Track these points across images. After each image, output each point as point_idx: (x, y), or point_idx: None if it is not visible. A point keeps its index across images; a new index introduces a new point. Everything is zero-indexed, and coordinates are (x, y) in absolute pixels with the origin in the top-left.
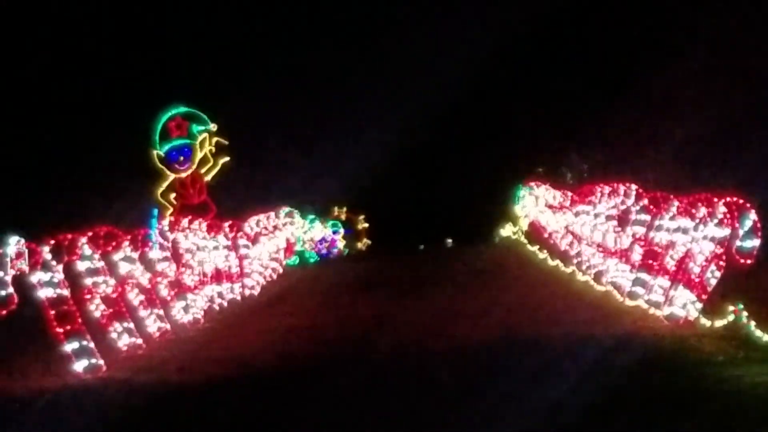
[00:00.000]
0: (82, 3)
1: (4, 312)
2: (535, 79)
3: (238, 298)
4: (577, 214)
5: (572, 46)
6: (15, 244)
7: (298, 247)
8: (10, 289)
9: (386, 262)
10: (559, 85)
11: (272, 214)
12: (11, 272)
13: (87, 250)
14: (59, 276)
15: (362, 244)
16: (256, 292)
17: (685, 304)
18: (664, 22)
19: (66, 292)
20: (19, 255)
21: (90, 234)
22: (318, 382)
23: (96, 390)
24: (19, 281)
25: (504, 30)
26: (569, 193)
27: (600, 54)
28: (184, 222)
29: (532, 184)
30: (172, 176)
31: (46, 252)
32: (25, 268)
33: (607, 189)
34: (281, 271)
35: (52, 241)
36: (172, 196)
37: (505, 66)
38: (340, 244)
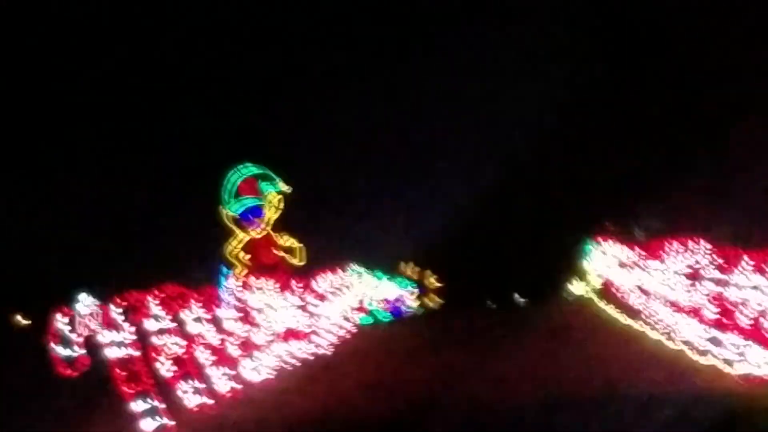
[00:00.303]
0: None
1: (75, 373)
2: (606, 134)
3: (310, 357)
4: (648, 271)
5: (645, 101)
6: (86, 303)
7: (369, 306)
8: (82, 350)
9: (458, 320)
10: (630, 140)
11: (341, 272)
12: (83, 331)
13: (156, 310)
14: (129, 336)
15: (433, 302)
16: (329, 351)
17: (759, 363)
18: (731, 78)
19: (135, 352)
20: (91, 314)
21: (160, 293)
22: None
23: None
24: (90, 341)
25: (580, 81)
26: (639, 250)
27: (672, 111)
28: (254, 281)
29: (601, 239)
30: (243, 236)
31: (115, 311)
32: (97, 327)
33: (677, 245)
34: (353, 330)
35: (122, 301)
36: (248, 257)
37: (577, 118)
38: (412, 302)
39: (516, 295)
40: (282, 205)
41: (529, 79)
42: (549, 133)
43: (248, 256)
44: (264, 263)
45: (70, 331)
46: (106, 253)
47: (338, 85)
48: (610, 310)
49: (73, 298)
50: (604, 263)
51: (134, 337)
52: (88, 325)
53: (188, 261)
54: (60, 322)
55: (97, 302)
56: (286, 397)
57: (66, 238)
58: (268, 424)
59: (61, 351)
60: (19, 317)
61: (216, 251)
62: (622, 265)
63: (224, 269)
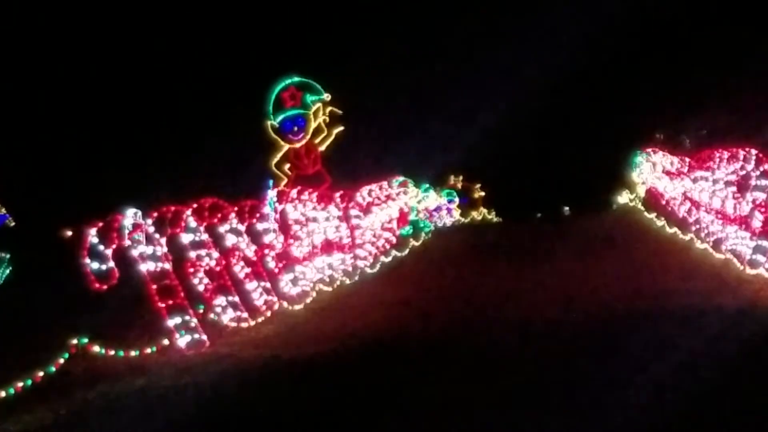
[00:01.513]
0: None
1: (105, 287)
2: (655, 43)
3: (350, 269)
4: (695, 181)
5: (695, 9)
6: (132, 215)
7: (412, 217)
8: (111, 263)
9: (502, 230)
10: (679, 49)
11: (385, 183)
12: (127, 245)
13: (192, 223)
14: (162, 249)
15: (478, 212)
16: (368, 263)
17: None
18: None
19: (168, 266)
20: (136, 227)
21: (195, 206)
22: (428, 357)
23: (198, 366)
24: (125, 255)
25: None
26: (687, 159)
27: (722, 16)
28: (293, 193)
29: (650, 150)
30: (286, 147)
31: (149, 225)
32: (138, 240)
33: (726, 154)
34: (394, 241)
35: (155, 214)
36: (287, 166)
37: (625, 30)
38: (456, 213)
39: (564, 208)
40: (325, 115)
41: None
42: (598, 46)
43: (289, 166)
44: (306, 174)
45: (105, 246)
46: (147, 168)
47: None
48: (657, 220)
49: (115, 212)
50: (652, 173)
51: (166, 250)
52: (132, 239)
53: (231, 175)
54: (93, 236)
55: (141, 216)
56: (323, 310)
57: (108, 152)
58: (303, 337)
59: (94, 266)
60: (64, 231)
61: (260, 165)
62: (669, 174)
63: (269, 181)
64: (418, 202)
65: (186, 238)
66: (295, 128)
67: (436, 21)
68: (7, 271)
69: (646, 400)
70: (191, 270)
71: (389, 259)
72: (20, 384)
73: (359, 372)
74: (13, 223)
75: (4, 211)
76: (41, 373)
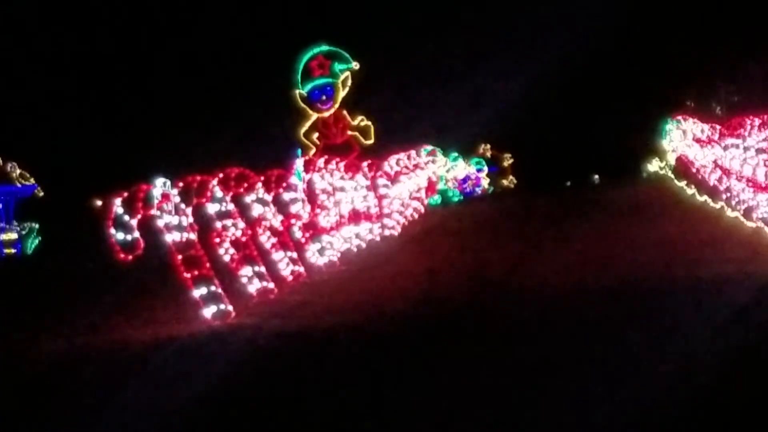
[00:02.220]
0: None
1: (130, 257)
2: (687, 10)
3: (377, 238)
4: (726, 148)
5: None
6: (161, 185)
7: (440, 186)
8: (136, 233)
9: (532, 199)
10: (710, 16)
11: (413, 152)
12: (156, 212)
13: (218, 192)
14: (187, 219)
15: (508, 181)
16: (396, 232)
17: None
18: None
19: (194, 236)
20: (165, 197)
21: (221, 175)
22: (451, 330)
23: (224, 336)
24: (151, 225)
25: None
26: (718, 127)
27: None
28: (320, 162)
29: (680, 117)
30: (314, 116)
31: (174, 195)
32: (171, 208)
33: (757, 121)
34: (423, 210)
35: (181, 183)
36: (315, 135)
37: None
38: (485, 181)
39: (594, 176)
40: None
41: None
42: (629, 13)
43: (317, 135)
44: (334, 143)
45: (130, 216)
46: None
47: None
48: (688, 188)
49: (141, 181)
50: (683, 141)
51: (192, 220)
52: (161, 209)
53: (259, 145)
54: (119, 206)
55: (169, 186)
56: (350, 280)
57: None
58: (330, 308)
59: (120, 236)
60: (93, 201)
61: (289, 134)
62: (700, 142)
63: (297, 150)
64: (447, 171)
65: (212, 208)
66: (324, 97)
67: None
68: (36, 241)
69: (677, 369)
70: (217, 240)
71: (418, 228)
72: None
73: (381, 345)
74: (41, 194)
75: (32, 181)
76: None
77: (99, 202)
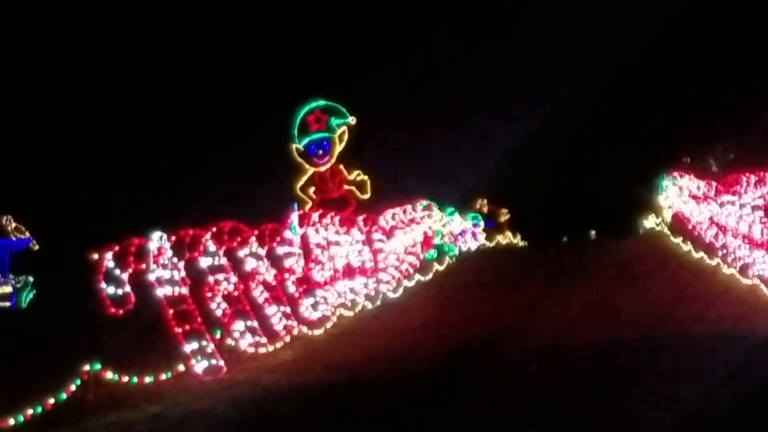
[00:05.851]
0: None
1: (121, 311)
2: (680, 67)
3: (372, 293)
4: (722, 205)
5: (721, 32)
6: (157, 239)
7: (436, 241)
8: (127, 288)
9: (529, 255)
10: (706, 73)
11: (409, 207)
12: (153, 267)
13: (211, 246)
14: (179, 273)
15: (504, 236)
16: (392, 287)
17: None
18: None
19: (186, 291)
20: (160, 251)
21: (214, 229)
22: (447, 387)
23: (215, 392)
24: (142, 279)
25: (649, 21)
26: (714, 183)
27: (748, 40)
28: (315, 216)
29: (676, 174)
30: (311, 170)
31: (167, 249)
32: (166, 262)
33: (753, 178)
34: (418, 265)
35: (173, 237)
36: (312, 190)
37: (651, 53)
38: (481, 236)
39: (591, 232)
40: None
41: (606, 14)
42: (624, 71)
43: (313, 189)
44: (331, 197)
45: (121, 270)
46: (173, 194)
47: (409, 19)
48: (684, 245)
49: (132, 235)
50: (679, 197)
51: (184, 274)
52: (158, 263)
53: (256, 199)
54: (109, 260)
55: (165, 240)
56: (344, 335)
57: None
58: (322, 364)
59: (110, 290)
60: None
61: (285, 189)
62: (696, 198)
63: (294, 205)
64: (443, 225)
65: (204, 262)
66: (320, 152)
67: (461, 45)
68: (31, 295)
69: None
70: (209, 294)
71: (412, 283)
72: (30, 411)
73: (375, 402)
74: (36, 247)
75: (27, 234)
76: (52, 401)
77: (96, 256)
